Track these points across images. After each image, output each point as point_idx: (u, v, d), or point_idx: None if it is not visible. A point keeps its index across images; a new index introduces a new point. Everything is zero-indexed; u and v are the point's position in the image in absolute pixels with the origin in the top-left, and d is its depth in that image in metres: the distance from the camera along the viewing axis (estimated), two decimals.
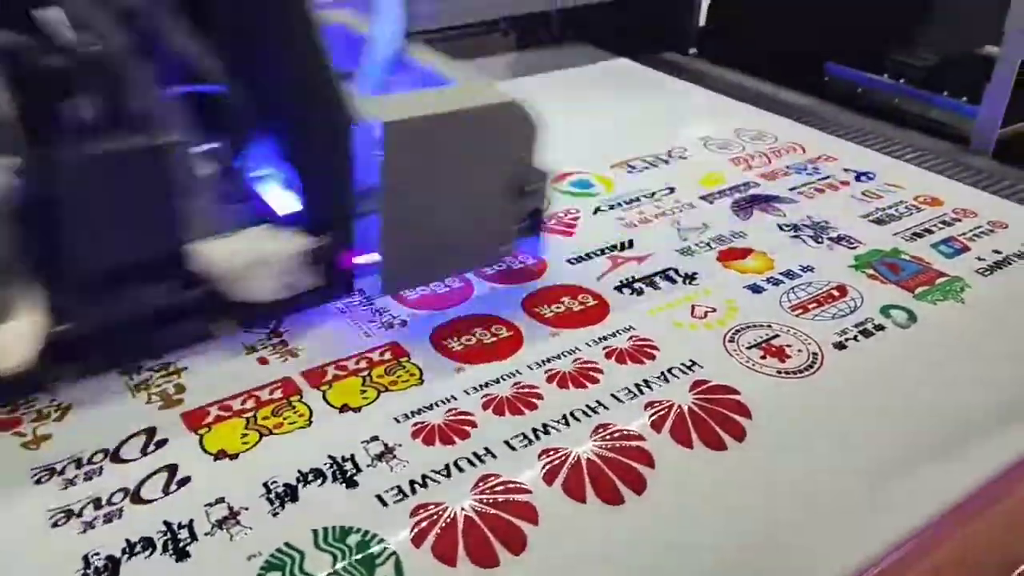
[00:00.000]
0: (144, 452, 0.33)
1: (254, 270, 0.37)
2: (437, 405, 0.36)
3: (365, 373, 0.37)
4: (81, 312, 0.34)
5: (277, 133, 0.39)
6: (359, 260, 0.39)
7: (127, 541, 0.29)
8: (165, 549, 0.29)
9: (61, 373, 0.35)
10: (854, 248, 0.48)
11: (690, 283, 0.45)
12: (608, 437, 0.34)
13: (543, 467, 0.33)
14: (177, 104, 0.36)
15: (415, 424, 0.35)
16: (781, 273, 0.46)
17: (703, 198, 0.54)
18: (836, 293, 0.44)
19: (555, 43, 0.88)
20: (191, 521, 0.30)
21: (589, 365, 0.38)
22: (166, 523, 0.30)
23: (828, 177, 0.57)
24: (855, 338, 0.41)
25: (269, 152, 0.40)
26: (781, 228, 0.50)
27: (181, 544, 0.29)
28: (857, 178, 0.57)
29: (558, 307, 0.43)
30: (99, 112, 0.33)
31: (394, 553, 0.29)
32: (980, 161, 0.60)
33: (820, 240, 0.49)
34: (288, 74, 0.37)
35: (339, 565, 0.28)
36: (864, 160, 0.59)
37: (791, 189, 0.55)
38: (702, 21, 0.84)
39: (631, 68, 0.81)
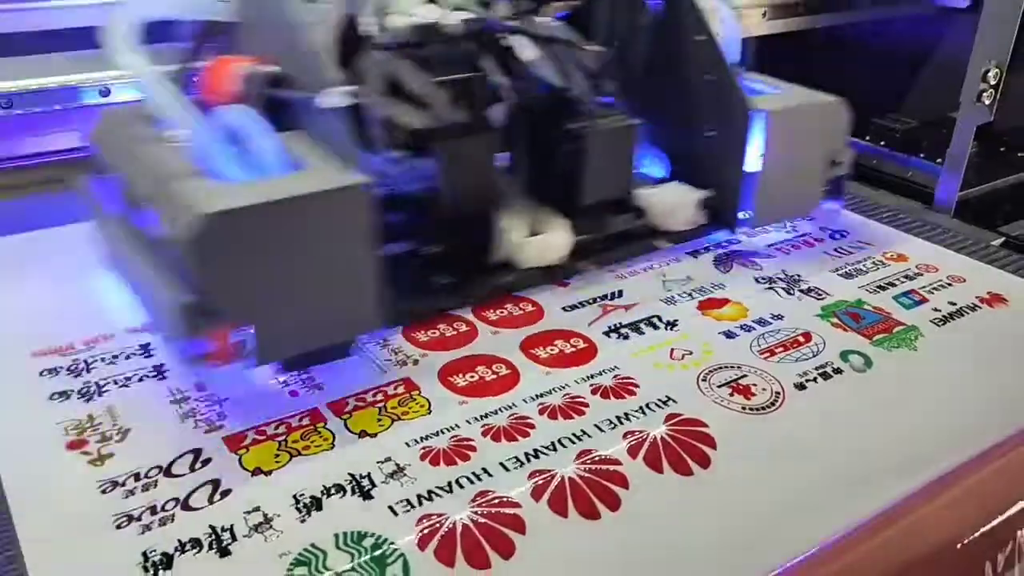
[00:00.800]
0: (192, 468, 0.39)
1: (677, 209, 0.58)
2: (443, 432, 0.41)
3: (381, 404, 0.43)
4: (586, 230, 0.56)
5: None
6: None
7: (179, 541, 0.35)
8: (210, 548, 0.34)
9: (577, 267, 0.55)
10: (821, 299, 0.54)
11: (671, 329, 0.50)
12: (589, 461, 0.40)
13: (532, 485, 0.38)
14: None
15: (423, 448, 0.40)
16: (753, 321, 0.51)
17: (689, 253, 0.60)
18: (801, 339, 0.50)
19: None
20: (232, 525, 0.35)
21: (577, 399, 0.44)
22: (211, 527, 0.35)
23: (805, 235, 0.63)
24: (815, 379, 0.46)
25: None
26: (757, 280, 0.56)
27: (224, 544, 0.34)
28: (831, 236, 0.63)
29: (552, 349, 0.48)
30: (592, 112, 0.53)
31: (402, 554, 0.34)
32: (945, 220, 0.65)
33: (791, 292, 0.55)
34: (703, 87, 0.58)
35: (355, 562, 0.34)
36: (840, 219, 0.65)
37: (769, 245, 0.61)
38: None
39: None
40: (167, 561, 0.34)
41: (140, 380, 0.45)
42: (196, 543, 0.35)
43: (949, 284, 0.56)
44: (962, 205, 0.67)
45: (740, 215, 0.58)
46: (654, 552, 0.36)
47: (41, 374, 0.45)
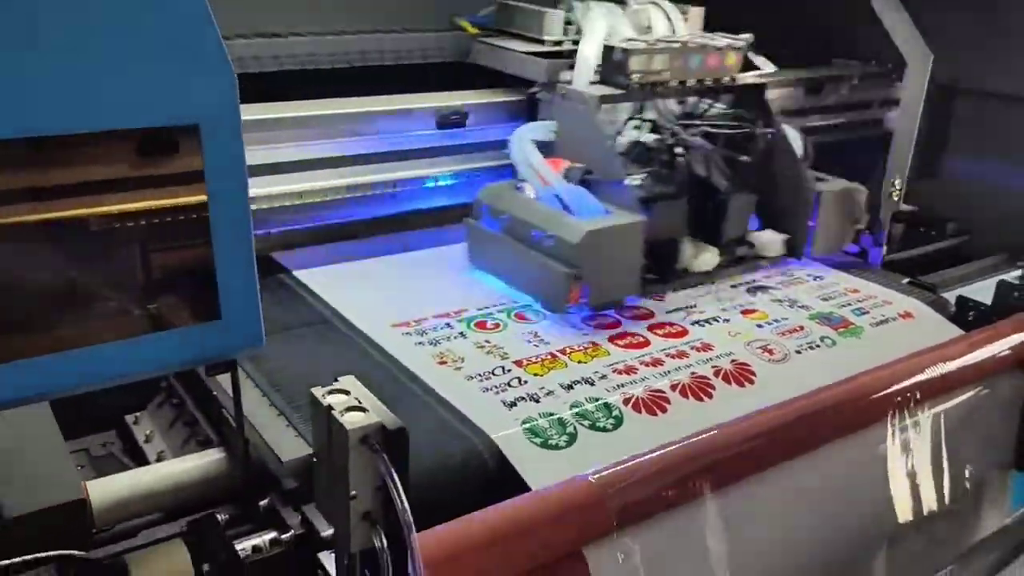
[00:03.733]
0: (503, 372, 0.79)
1: (772, 244, 1.05)
2: (620, 362, 0.82)
3: (584, 351, 0.84)
4: (724, 254, 1.01)
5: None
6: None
7: (514, 397, 0.75)
8: (529, 400, 0.74)
9: (722, 274, 1.02)
10: (809, 310, 0.95)
11: (727, 323, 0.91)
12: (694, 377, 0.80)
13: (669, 383, 0.78)
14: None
15: (613, 368, 0.80)
16: (772, 320, 0.92)
17: (732, 286, 1.01)
18: (798, 329, 0.91)
19: None
20: (535, 393, 0.75)
21: (683, 351, 0.84)
22: (525, 393, 0.75)
23: (798, 278, 1.05)
24: (805, 349, 0.87)
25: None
26: (772, 301, 0.97)
27: (536, 399, 0.75)
28: (814, 279, 1.04)
29: (663, 329, 0.89)
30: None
31: (617, 406, 0.75)
32: (879, 271, 1.08)
33: (792, 306, 0.96)
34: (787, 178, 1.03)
35: (595, 405, 0.74)
36: (819, 270, 1.07)
37: (779, 283, 1.03)
38: None
39: None
40: (514, 403, 0.74)
41: (457, 337, 0.85)
42: (522, 399, 0.75)
43: (881, 305, 0.98)
44: (891, 263, 1.10)
45: (807, 250, 1.05)
46: (724, 416, 0.76)
47: (405, 335, 0.86)
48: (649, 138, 0.98)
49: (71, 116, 0.51)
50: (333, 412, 0.46)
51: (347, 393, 0.48)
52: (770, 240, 1.05)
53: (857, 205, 1.06)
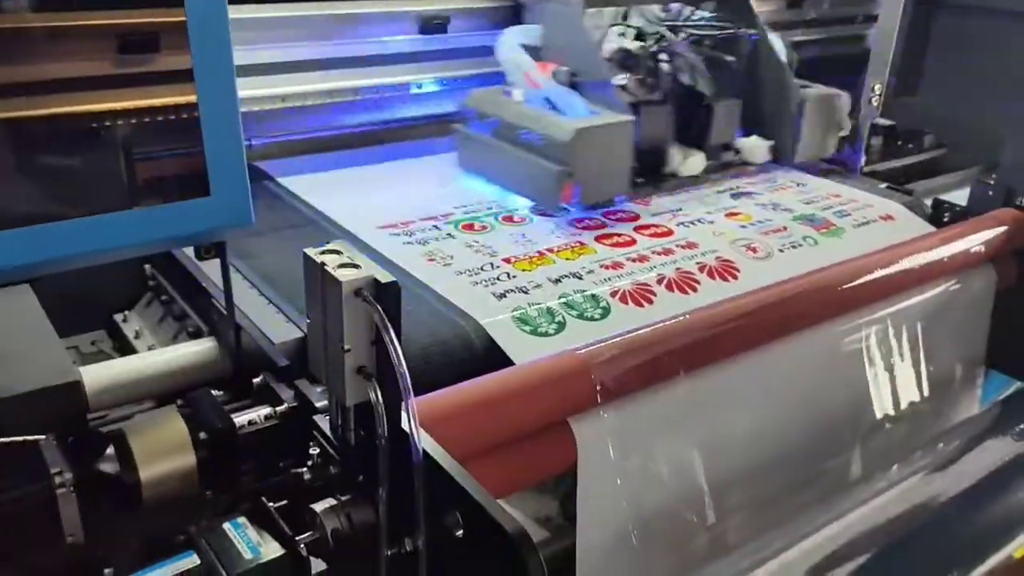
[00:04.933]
0: (492, 268, 0.79)
1: (757, 150, 1.06)
2: (606, 259, 0.82)
3: (572, 248, 0.84)
4: (711, 158, 1.04)
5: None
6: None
7: (504, 289, 0.75)
8: (519, 292, 0.75)
9: (709, 177, 1.04)
10: (792, 212, 0.96)
11: (712, 224, 0.92)
12: (680, 272, 0.81)
13: (656, 278, 0.80)
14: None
15: (600, 264, 0.81)
16: (756, 221, 0.93)
17: (718, 192, 1.02)
18: (782, 229, 0.92)
19: None
20: (524, 286, 0.76)
21: (669, 249, 0.85)
22: (516, 286, 0.76)
23: (782, 184, 1.06)
24: (788, 247, 0.88)
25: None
26: (756, 205, 0.98)
27: (526, 291, 0.75)
28: (798, 185, 1.05)
29: (650, 230, 0.90)
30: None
31: (604, 297, 0.76)
32: (860, 178, 1.09)
33: (775, 209, 0.97)
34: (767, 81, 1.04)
35: (583, 295, 0.75)
36: (801, 177, 1.08)
37: (763, 188, 1.04)
38: None
39: None
40: (504, 295, 0.75)
41: (445, 238, 0.86)
42: (511, 291, 0.75)
43: (863, 208, 0.99)
44: (870, 174, 1.11)
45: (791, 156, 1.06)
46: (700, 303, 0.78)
47: (393, 235, 0.86)
48: (633, 45, 0.99)
49: None
50: (327, 268, 0.47)
51: (339, 253, 0.48)
52: (755, 146, 1.06)
53: (840, 111, 1.06)
